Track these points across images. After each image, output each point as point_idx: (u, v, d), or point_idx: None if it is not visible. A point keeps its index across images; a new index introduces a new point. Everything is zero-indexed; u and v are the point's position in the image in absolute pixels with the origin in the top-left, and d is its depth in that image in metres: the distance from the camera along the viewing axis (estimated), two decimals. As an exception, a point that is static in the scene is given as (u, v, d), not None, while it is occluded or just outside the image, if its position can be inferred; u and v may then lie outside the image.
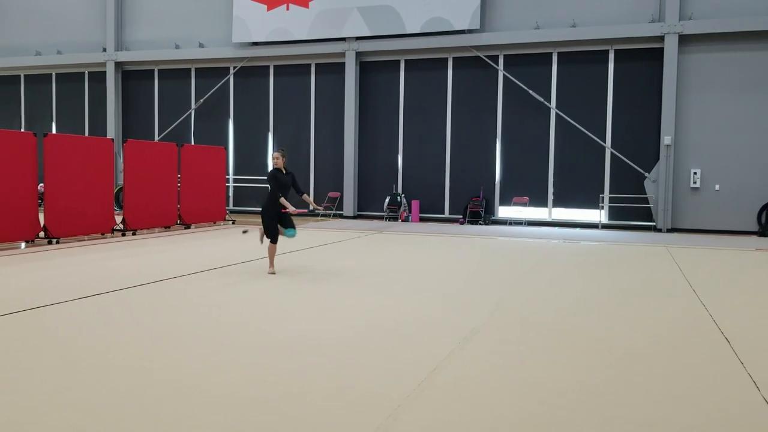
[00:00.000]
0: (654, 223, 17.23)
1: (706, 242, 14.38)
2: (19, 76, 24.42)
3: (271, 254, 8.93)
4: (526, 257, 11.26)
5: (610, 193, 17.81)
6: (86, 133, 23.14)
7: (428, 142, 19.55)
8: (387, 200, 19.55)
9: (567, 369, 4.74)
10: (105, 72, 22.72)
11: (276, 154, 8.88)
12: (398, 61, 19.82)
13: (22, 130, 23.56)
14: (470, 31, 18.60)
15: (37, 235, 11.96)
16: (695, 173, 16.95)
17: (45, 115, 24.10)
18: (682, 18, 16.80)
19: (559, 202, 18.42)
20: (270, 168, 8.45)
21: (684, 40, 16.86)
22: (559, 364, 4.85)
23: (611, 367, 4.80)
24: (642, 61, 17.55)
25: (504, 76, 18.64)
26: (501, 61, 18.72)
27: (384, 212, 19.52)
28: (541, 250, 12.47)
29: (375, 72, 20.09)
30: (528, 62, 18.51)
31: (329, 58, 20.34)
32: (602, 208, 17.82)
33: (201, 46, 21.48)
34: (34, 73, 24.19)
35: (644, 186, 17.41)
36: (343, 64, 19.98)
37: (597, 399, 4.12)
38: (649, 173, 17.33)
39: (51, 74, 23.97)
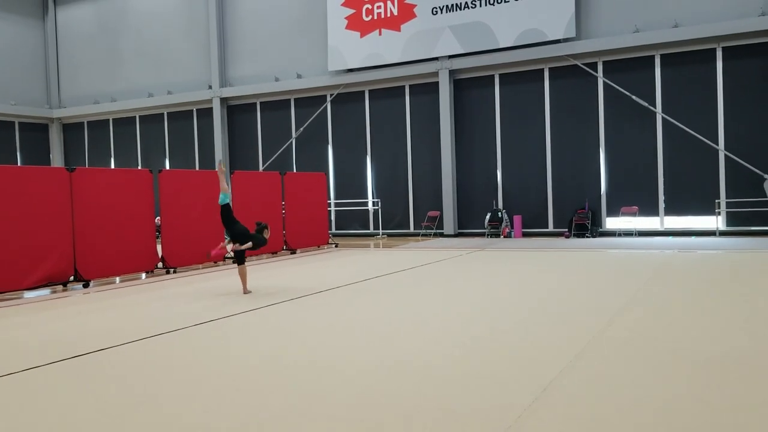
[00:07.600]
0: (778, 228, 16.10)
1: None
2: (135, 117, 26.16)
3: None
4: (639, 269, 10.76)
5: (726, 198, 16.80)
6: (196, 166, 24.42)
7: (528, 156, 19.21)
8: (488, 217, 19.31)
9: (687, 388, 4.47)
10: (211, 108, 23.96)
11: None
12: (492, 76, 19.66)
13: (139, 167, 25.15)
14: (566, 40, 18.21)
15: (156, 265, 12.66)
16: (822, 172, 15.72)
17: (159, 151, 25.65)
18: (797, 7, 15.76)
19: (671, 210, 17.56)
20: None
21: (800, 30, 15.78)
22: (676, 383, 4.58)
23: (742, 389, 4.48)
24: (753, 57, 16.54)
25: (604, 83, 18.09)
26: (600, 67, 18.18)
27: (485, 229, 19.29)
28: (654, 261, 11.89)
29: (469, 88, 20.03)
30: (629, 67, 17.87)
31: (423, 78, 20.47)
32: (719, 214, 16.82)
33: (299, 76, 22.21)
34: (147, 113, 25.85)
35: (764, 188, 16.30)
36: (437, 83, 20.05)
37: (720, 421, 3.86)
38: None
39: (163, 113, 25.53)
